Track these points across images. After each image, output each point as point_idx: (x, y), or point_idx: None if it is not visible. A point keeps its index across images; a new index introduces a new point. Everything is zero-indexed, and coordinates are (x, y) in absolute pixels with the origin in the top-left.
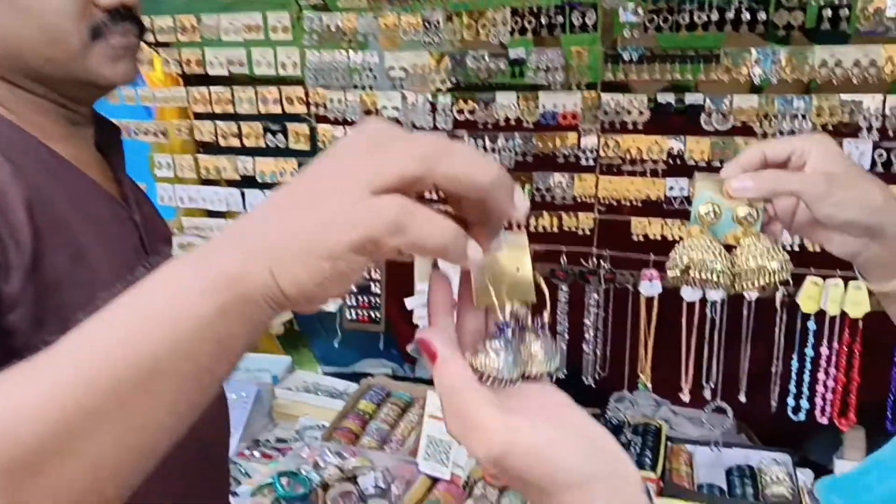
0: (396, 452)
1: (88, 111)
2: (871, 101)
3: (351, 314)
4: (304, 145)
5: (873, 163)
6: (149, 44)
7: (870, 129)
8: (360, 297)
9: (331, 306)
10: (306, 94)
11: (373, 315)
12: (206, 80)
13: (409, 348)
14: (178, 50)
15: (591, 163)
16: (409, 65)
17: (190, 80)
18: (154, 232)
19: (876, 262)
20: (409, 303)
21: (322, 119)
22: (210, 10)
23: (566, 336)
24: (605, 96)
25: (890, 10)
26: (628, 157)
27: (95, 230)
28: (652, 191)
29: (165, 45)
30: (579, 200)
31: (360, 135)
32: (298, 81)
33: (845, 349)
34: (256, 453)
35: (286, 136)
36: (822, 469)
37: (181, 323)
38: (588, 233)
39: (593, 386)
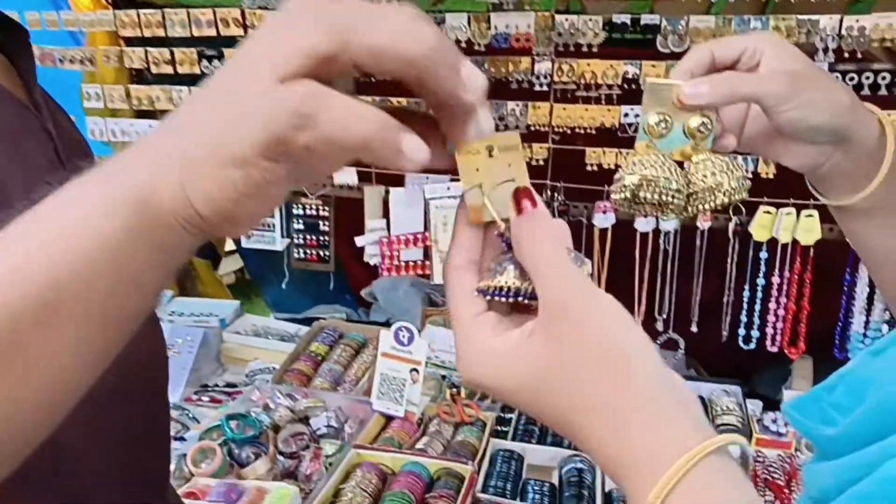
0: (350, 393)
1: None
2: (828, 21)
3: (299, 252)
4: None
5: None
6: None
7: (826, 50)
8: (307, 235)
9: (278, 245)
10: (243, 14)
11: (322, 254)
12: (134, 2)
13: (363, 292)
14: None
15: (545, 89)
16: None
17: (119, 3)
18: (70, 143)
19: (838, 172)
20: (359, 241)
21: None
22: None
23: None
24: (559, 17)
25: None
26: (583, 82)
27: (3, 140)
28: (607, 118)
29: None
30: (533, 129)
31: (286, 6)
32: (233, 3)
33: (796, 278)
34: (205, 398)
35: (223, 62)
36: (770, 401)
37: (83, 246)
38: (542, 163)
39: None
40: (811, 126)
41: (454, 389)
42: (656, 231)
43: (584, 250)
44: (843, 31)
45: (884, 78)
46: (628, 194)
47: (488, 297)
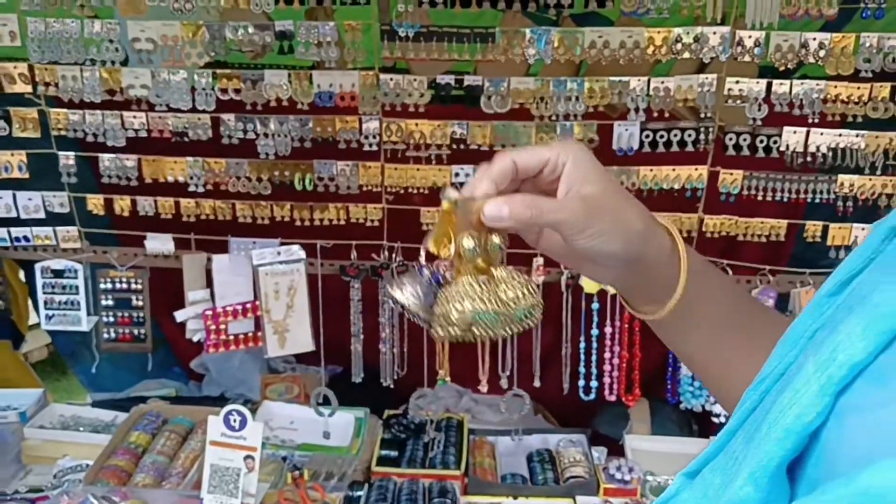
0: (177, 488)
1: None
2: (637, 83)
3: (109, 332)
4: (33, 132)
5: (641, 144)
6: None
7: (637, 109)
8: (118, 312)
9: (83, 325)
10: (31, 70)
11: (136, 332)
12: None
13: (193, 364)
14: None
15: (375, 148)
16: (157, 35)
17: None
18: None
19: (637, 288)
20: (179, 315)
21: (54, 101)
22: None
23: (361, 337)
24: (384, 76)
25: None
26: (412, 142)
27: None
28: (438, 177)
29: None
30: (365, 189)
31: None
32: (20, 56)
33: (626, 326)
34: None
35: (9, 123)
36: (613, 444)
37: None
38: (377, 223)
39: (392, 387)
40: (604, 253)
41: (296, 472)
42: None
43: None
44: (651, 92)
45: (690, 135)
46: (459, 332)
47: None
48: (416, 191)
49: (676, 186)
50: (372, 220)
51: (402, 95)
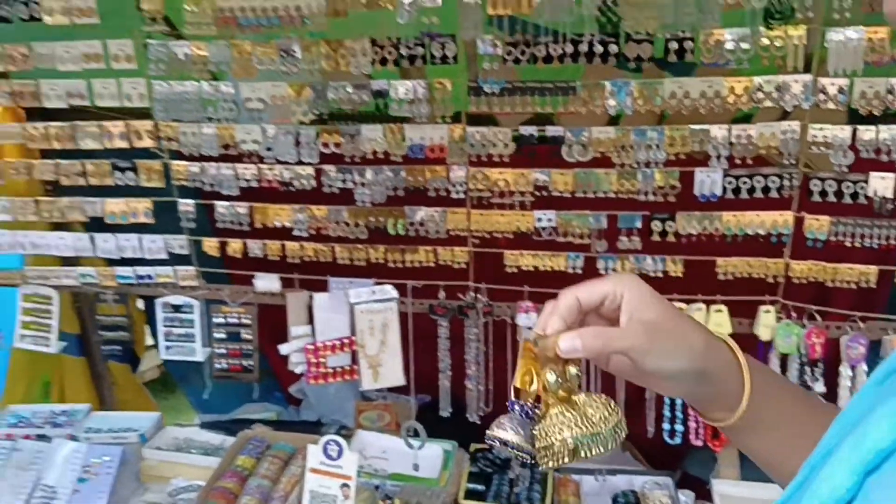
0: None
1: None
2: (718, 131)
3: (221, 363)
4: (157, 182)
5: (724, 190)
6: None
7: (718, 157)
8: (229, 345)
9: (198, 355)
10: (156, 127)
11: (245, 364)
12: (47, 114)
13: (292, 389)
14: (10, 82)
15: (462, 195)
16: (266, 96)
17: (32, 114)
18: None
19: (706, 399)
20: (283, 349)
21: (176, 154)
22: (43, 37)
23: (448, 373)
24: (471, 129)
25: (728, 43)
26: (497, 189)
27: None
28: (522, 222)
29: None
30: (452, 234)
31: None
32: (146, 114)
33: None
34: None
35: (137, 174)
36: (702, 486)
37: None
38: (464, 266)
39: (478, 423)
40: (669, 371)
41: (388, 501)
42: None
43: (510, 349)
44: (733, 139)
45: (773, 181)
46: (566, 459)
47: (490, 443)
48: (500, 235)
49: (761, 232)
50: (458, 263)
51: (487, 146)
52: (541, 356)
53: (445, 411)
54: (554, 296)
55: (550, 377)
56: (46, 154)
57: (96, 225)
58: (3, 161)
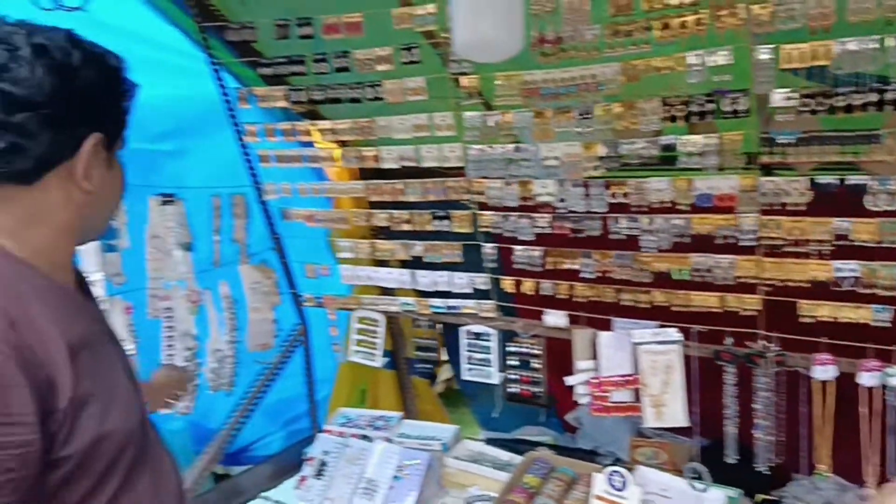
0: None
1: None
2: None
3: (513, 387)
4: (466, 229)
5: None
6: (338, 143)
7: None
8: (521, 372)
9: (494, 378)
10: (468, 183)
11: (534, 391)
12: (377, 173)
13: (568, 417)
14: (358, 149)
15: (751, 243)
16: (562, 154)
17: (364, 173)
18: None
19: None
20: (569, 380)
21: (482, 206)
22: (383, 113)
23: (735, 419)
24: (763, 179)
25: None
26: (791, 238)
27: (99, 347)
28: (818, 272)
29: (345, 143)
30: (740, 281)
31: None
32: (461, 172)
33: None
34: None
35: (450, 221)
36: None
37: None
38: (752, 313)
39: (767, 473)
40: None
41: None
42: (883, 385)
43: (804, 403)
44: None
45: None
46: None
47: None
48: (794, 284)
49: None
50: (746, 310)
51: (780, 195)
52: None
53: (731, 458)
54: (856, 350)
55: None
56: (374, 205)
57: (412, 263)
58: (348, 210)
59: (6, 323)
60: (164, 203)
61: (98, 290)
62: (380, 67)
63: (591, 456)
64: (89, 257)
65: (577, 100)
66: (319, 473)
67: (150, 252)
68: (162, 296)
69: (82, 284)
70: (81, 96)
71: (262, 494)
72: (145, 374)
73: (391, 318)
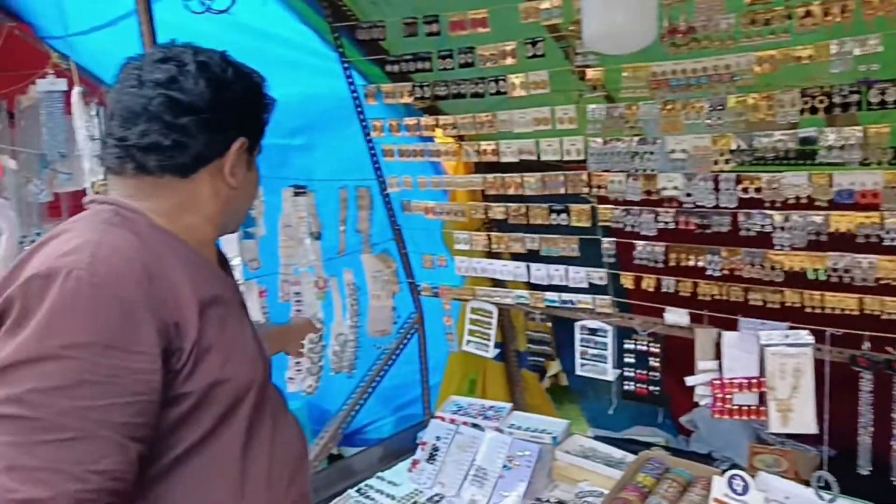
0: None
1: None
2: None
3: (629, 385)
4: (584, 223)
5: None
6: (456, 138)
7: None
8: (637, 369)
9: (609, 375)
10: (588, 177)
11: (651, 389)
12: (490, 167)
13: (683, 419)
14: (478, 143)
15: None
16: (690, 147)
17: (478, 167)
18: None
19: None
20: (689, 381)
21: (602, 199)
22: (504, 107)
23: (870, 429)
24: None
25: None
26: None
27: (227, 307)
28: None
29: (461, 138)
30: (883, 282)
31: None
32: (581, 166)
33: None
34: None
35: (568, 215)
36: None
37: None
38: (894, 318)
39: None
40: None
41: None
42: None
43: None
44: None
45: None
46: None
47: None
48: None
49: None
50: (889, 313)
51: None
52: None
53: (864, 469)
54: None
55: None
56: (489, 199)
57: (523, 256)
58: (466, 203)
59: (146, 277)
60: (297, 194)
61: (236, 274)
62: (504, 62)
63: (706, 460)
64: (229, 244)
65: (709, 91)
66: (431, 458)
67: (282, 240)
68: (293, 281)
69: (223, 263)
70: (232, 105)
71: (378, 474)
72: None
73: (502, 311)
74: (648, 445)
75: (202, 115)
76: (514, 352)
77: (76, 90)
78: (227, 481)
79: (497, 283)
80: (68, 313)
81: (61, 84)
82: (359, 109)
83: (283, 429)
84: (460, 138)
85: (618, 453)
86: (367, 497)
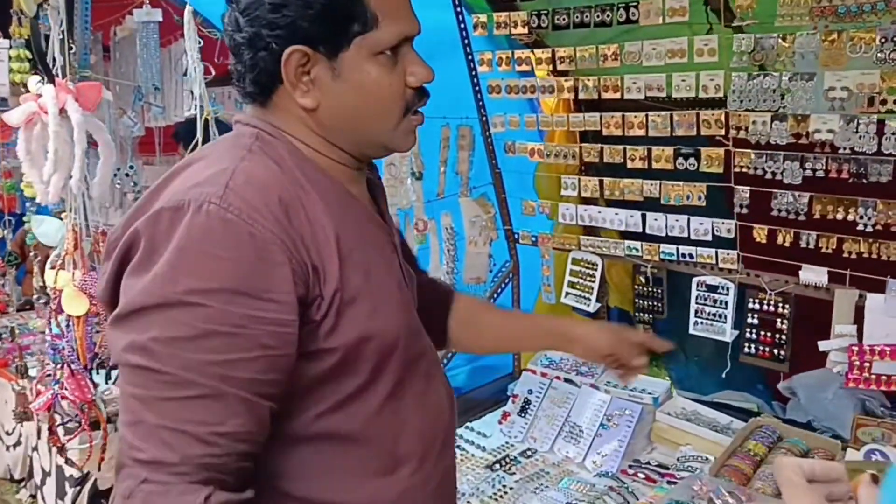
0: None
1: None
2: None
3: (749, 348)
4: (716, 169)
5: None
6: (558, 73)
7: None
8: (761, 332)
9: (727, 336)
10: (726, 117)
11: (775, 353)
12: (591, 105)
13: (781, 386)
14: (599, 77)
15: None
16: (853, 84)
17: (581, 105)
18: (405, 252)
19: None
20: (823, 345)
21: (740, 143)
22: (633, 38)
23: None
24: None
25: None
26: None
27: (375, 251)
28: None
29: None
30: None
31: None
32: (719, 104)
33: None
34: (640, 475)
35: (698, 160)
36: None
37: None
38: None
39: None
40: None
41: None
42: None
43: None
44: None
45: None
46: None
47: None
48: None
49: None
50: None
51: None
52: None
53: None
54: None
55: None
56: (598, 139)
57: (647, 204)
58: (576, 145)
59: (283, 212)
60: None
61: None
62: None
63: (805, 430)
64: None
65: (887, 18)
66: (523, 411)
67: (386, 179)
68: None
69: (378, 204)
70: (263, 18)
71: (468, 424)
72: None
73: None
74: (739, 410)
75: (237, 35)
76: (605, 307)
77: (188, 9)
78: (371, 449)
79: (588, 231)
80: (197, 253)
81: (157, 14)
82: (465, 41)
83: (433, 390)
84: (563, 74)
85: (724, 418)
86: (457, 447)
